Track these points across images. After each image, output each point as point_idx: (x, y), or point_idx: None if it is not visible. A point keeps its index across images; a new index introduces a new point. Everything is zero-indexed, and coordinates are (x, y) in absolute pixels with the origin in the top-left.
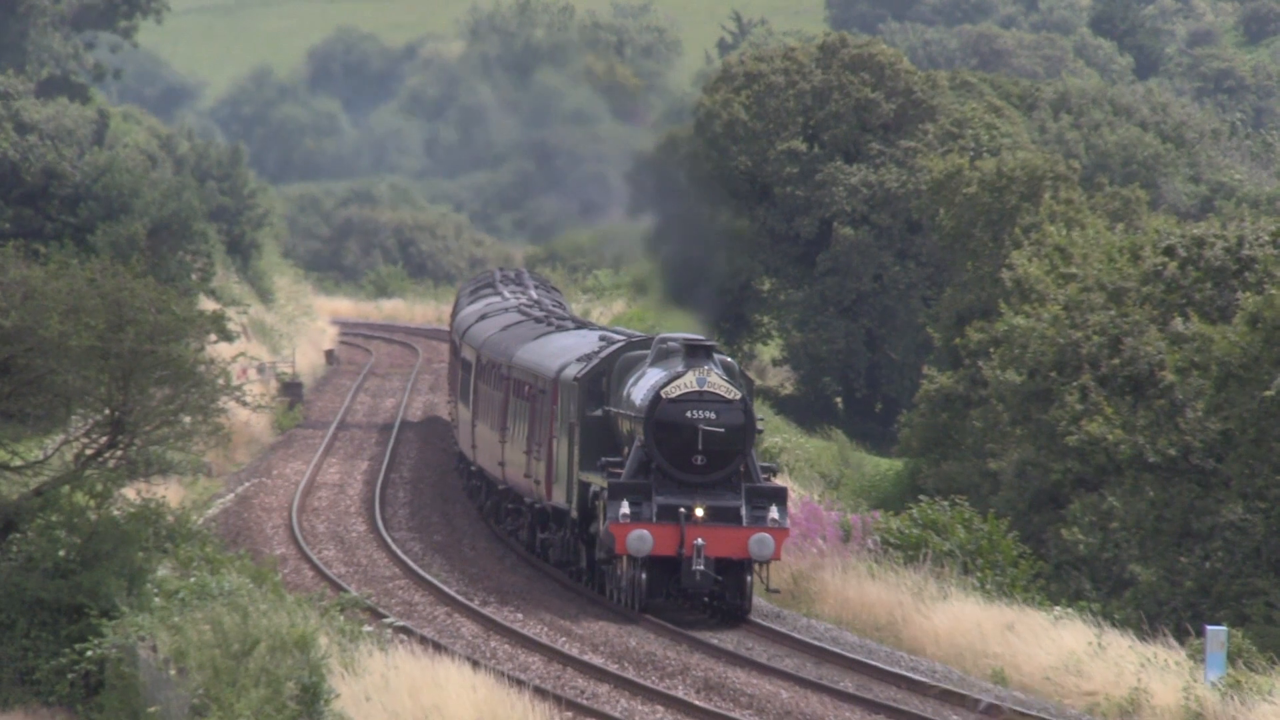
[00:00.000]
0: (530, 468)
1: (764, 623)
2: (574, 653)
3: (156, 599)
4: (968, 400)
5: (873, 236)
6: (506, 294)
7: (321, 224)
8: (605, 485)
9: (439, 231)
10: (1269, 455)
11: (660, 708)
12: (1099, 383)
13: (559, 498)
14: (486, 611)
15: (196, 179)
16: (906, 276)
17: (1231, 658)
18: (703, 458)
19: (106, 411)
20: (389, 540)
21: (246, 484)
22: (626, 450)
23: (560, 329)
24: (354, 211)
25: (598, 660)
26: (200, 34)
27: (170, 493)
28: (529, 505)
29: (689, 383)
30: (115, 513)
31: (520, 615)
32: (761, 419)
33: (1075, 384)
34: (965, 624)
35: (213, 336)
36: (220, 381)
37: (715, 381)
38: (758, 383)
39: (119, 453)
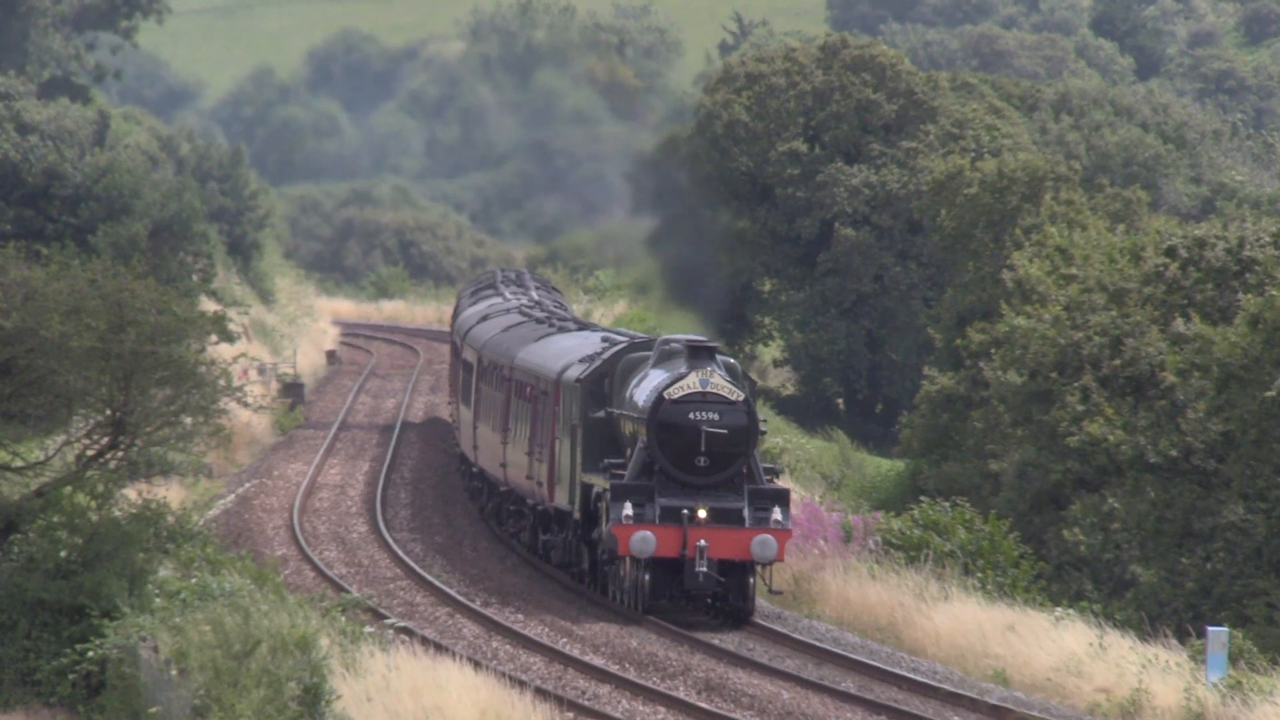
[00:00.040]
0: (532, 469)
1: (765, 623)
2: (575, 653)
3: (158, 600)
4: (969, 401)
5: (874, 237)
6: (508, 295)
7: (322, 225)
8: (608, 487)
9: (440, 232)
10: (1270, 456)
11: (661, 708)
12: (1100, 383)
13: (561, 499)
14: (488, 612)
15: (197, 180)
16: (907, 277)
17: (1233, 658)
18: (705, 459)
19: (108, 412)
20: (390, 541)
21: (247, 485)
22: (629, 452)
23: (562, 330)
24: (355, 212)
25: (599, 661)
26: (201, 35)
27: (171, 493)
28: (531, 507)
29: (692, 384)
30: (116, 513)
31: (521, 616)
32: (764, 420)
33: (1076, 385)
34: (966, 625)
35: (214, 337)
36: (221, 382)
37: (718, 383)
38: (759, 384)
39: (120, 453)
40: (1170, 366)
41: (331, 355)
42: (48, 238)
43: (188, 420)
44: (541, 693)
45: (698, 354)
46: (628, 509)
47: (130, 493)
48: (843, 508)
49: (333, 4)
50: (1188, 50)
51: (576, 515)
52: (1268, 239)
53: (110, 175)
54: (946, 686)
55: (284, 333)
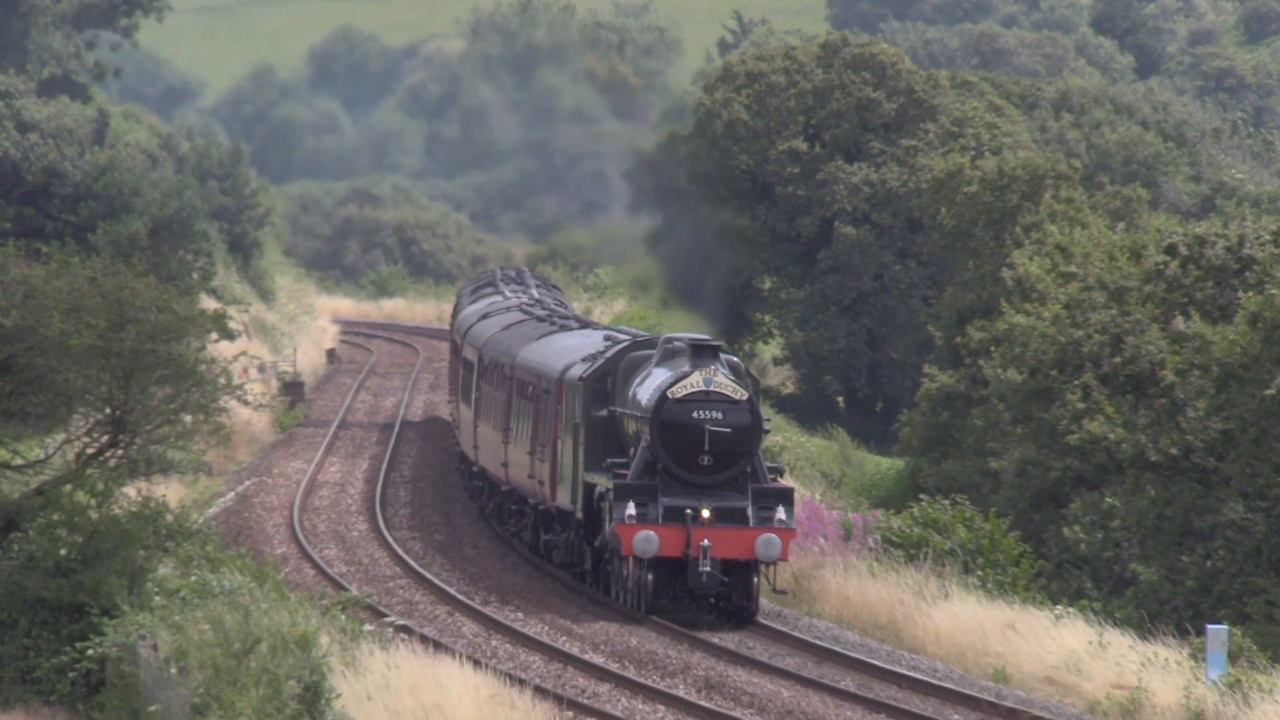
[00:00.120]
0: (534, 468)
1: (765, 622)
2: (575, 652)
3: (157, 598)
4: (969, 399)
5: (874, 235)
6: (508, 293)
7: (322, 223)
8: (611, 486)
9: (440, 230)
10: (1270, 454)
11: (661, 707)
12: (1100, 382)
13: (563, 499)
14: (487, 611)
15: (197, 178)
16: (907, 276)
17: (1232, 656)
18: (709, 458)
19: (107, 410)
20: (390, 539)
21: (247, 483)
22: (632, 451)
23: (564, 329)
24: (355, 210)
25: (599, 659)
26: (201, 33)
27: (171, 492)
28: (533, 506)
29: (695, 383)
30: (116, 512)
31: (521, 614)
32: (767, 419)
33: (1077, 383)
34: (966, 623)
35: (214, 335)
36: (221, 380)
37: (722, 381)
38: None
39: (120, 452)
40: (1170, 366)
41: (331, 353)
42: (48, 236)
43: (188, 418)
44: (541, 691)
45: (701, 353)
46: (631, 508)
47: (130, 491)
48: (842, 506)
49: (333, 2)
50: (1188, 48)
51: (579, 515)
52: (1268, 237)
53: (110, 173)
54: (949, 685)
55: (284, 331)
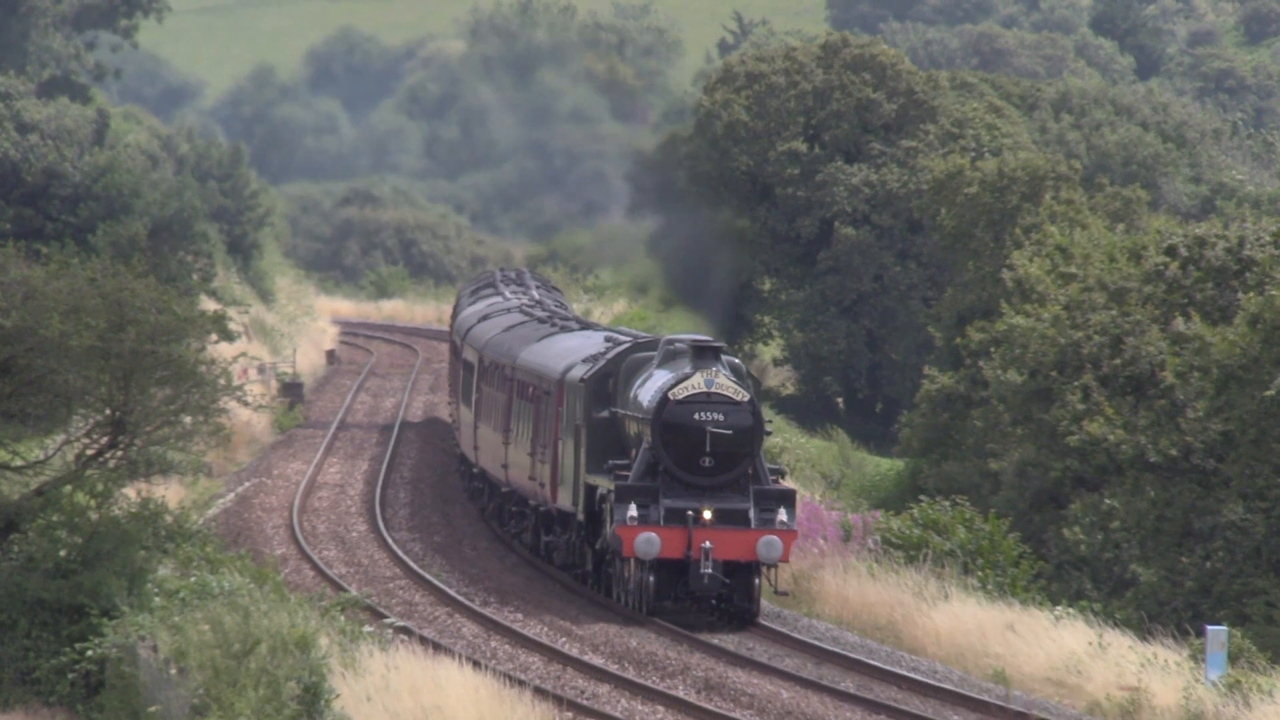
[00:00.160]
0: (535, 470)
1: (765, 623)
2: (574, 653)
3: (157, 599)
4: (969, 400)
5: (874, 237)
6: (508, 294)
7: (322, 224)
8: (612, 488)
9: (440, 231)
10: (1269, 455)
11: (661, 708)
12: (1100, 383)
13: (564, 500)
14: (487, 612)
15: (197, 179)
16: (907, 277)
17: (1232, 657)
18: (710, 460)
19: (107, 411)
20: (390, 540)
21: (247, 484)
22: (633, 452)
23: (564, 330)
24: (354, 211)
25: (598, 660)
26: (201, 34)
27: (171, 493)
28: (533, 508)
29: (697, 384)
30: (116, 513)
31: (520, 615)
32: (769, 420)
33: (1076, 384)
34: (966, 624)
35: (214, 337)
36: (221, 381)
37: (723, 383)
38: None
39: (120, 453)
40: (1170, 368)
41: (331, 354)
42: (47, 237)
43: (187, 419)
44: (541, 692)
45: (703, 354)
46: (632, 510)
47: (130, 492)
48: (842, 507)
49: (332, 3)
50: (1187, 49)
51: (580, 516)
52: (1268, 238)
53: (110, 174)
54: (948, 686)
55: (283, 332)
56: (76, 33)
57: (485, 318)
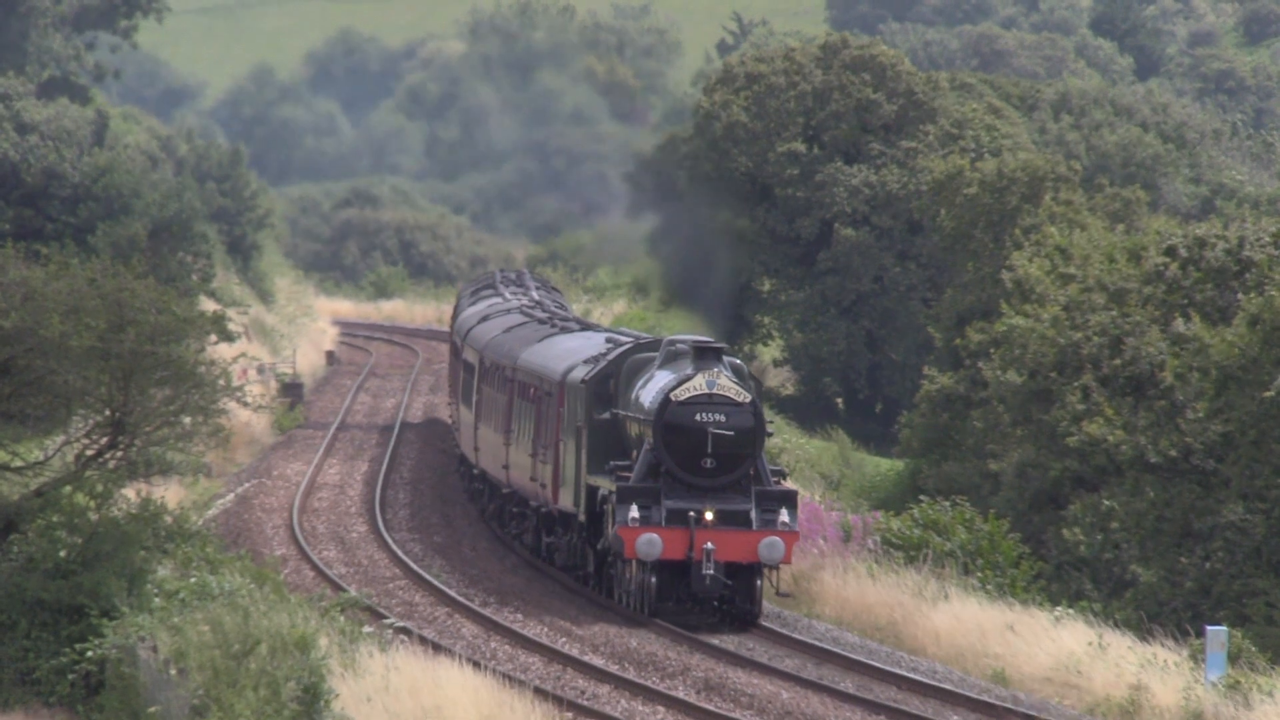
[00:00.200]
0: (536, 471)
1: (765, 623)
2: (574, 653)
3: (157, 599)
4: (968, 401)
5: (873, 237)
6: (508, 295)
7: (321, 224)
8: (614, 489)
9: (439, 232)
10: (1269, 456)
11: (661, 708)
12: (1100, 383)
13: (566, 501)
14: (487, 612)
15: (196, 180)
16: (907, 278)
17: (1232, 658)
18: (712, 461)
19: (107, 412)
20: (389, 541)
21: (247, 484)
22: (635, 454)
23: (565, 331)
24: (354, 212)
25: (598, 661)
26: (200, 34)
27: (170, 493)
28: (534, 509)
29: (698, 385)
30: (116, 513)
31: (520, 616)
32: (771, 421)
33: (1076, 384)
34: (966, 624)
35: (213, 337)
36: (221, 382)
37: (725, 384)
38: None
39: (119, 453)
40: (1169, 369)
41: (330, 355)
42: (47, 237)
43: (187, 420)
44: (541, 692)
45: (704, 355)
46: (634, 511)
47: (129, 493)
48: (842, 507)
49: (332, 3)
50: (1187, 50)
51: (581, 517)
52: (1267, 239)
53: (109, 175)
54: (948, 686)
55: (283, 332)
56: (76, 33)
57: (485, 319)
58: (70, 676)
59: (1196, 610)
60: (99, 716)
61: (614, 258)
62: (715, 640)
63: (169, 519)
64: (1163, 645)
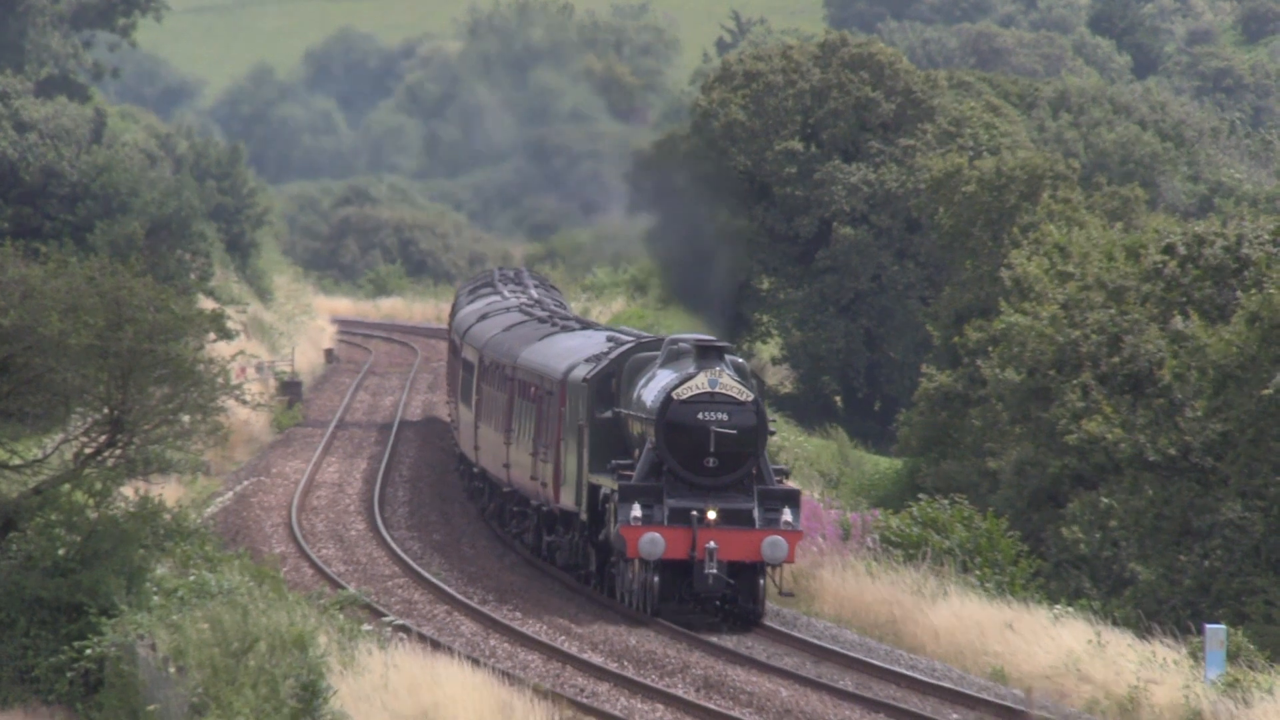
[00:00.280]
0: (537, 470)
1: (764, 621)
2: (574, 651)
3: (155, 597)
4: (967, 399)
5: (872, 236)
6: (506, 293)
7: (320, 222)
8: (616, 488)
9: (438, 230)
10: (1268, 454)
11: (660, 706)
12: (1099, 381)
13: (567, 500)
14: (486, 610)
15: (195, 178)
16: (905, 276)
17: (1231, 656)
18: (715, 460)
19: (105, 410)
20: (388, 539)
21: (245, 482)
22: (637, 453)
23: (565, 329)
24: (352, 210)
25: (597, 659)
26: (199, 33)
27: (169, 491)
28: (535, 508)
29: (701, 384)
30: (114, 511)
31: (519, 614)
32: (773, 420)
33: (1075, 382)
34: (965, 622)
35: (212, 335)
36: (219, 380)
37: (727, 383)
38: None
39: (118, 451)
40: (1168, 368)
41: (329, 353)
42: (45, 235)
43: (186, 418)
44: (540, 690)
45: (706, 354)
46: (636, 510)
47: (128, 491)
48: (841, 505)
49: (331, 3)
50: (1185, 48)
51: (583, 516)
52: (1266, 237)
53: (108, 173)
54: (947, 684)
55: (282, 330)
56: (74, 31)
57: (484, 317)
58: (69, 674)
59: (1195, 608)
60: (98, 714)
61: (612, 256)
62: (714, 638)
63: (168, 517)
64: (1162, 643)
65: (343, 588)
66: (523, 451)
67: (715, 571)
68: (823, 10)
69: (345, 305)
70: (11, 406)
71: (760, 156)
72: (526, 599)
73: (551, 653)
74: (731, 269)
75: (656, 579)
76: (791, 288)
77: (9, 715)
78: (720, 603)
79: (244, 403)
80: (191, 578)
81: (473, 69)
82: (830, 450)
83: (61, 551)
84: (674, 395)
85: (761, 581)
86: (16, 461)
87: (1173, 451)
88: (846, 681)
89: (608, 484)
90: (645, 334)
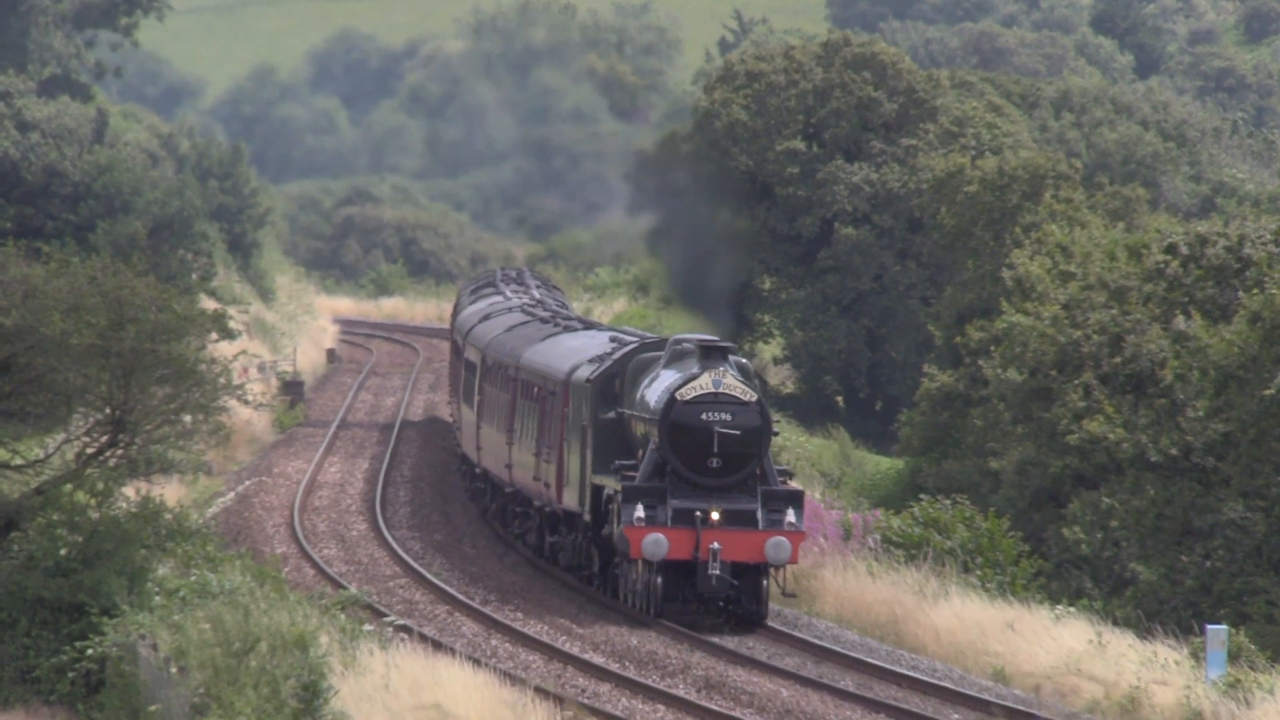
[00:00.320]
0: (539, 470)
1: (765, 622)
2: (575, 651)
3: (157, 597)
4: (968, 399)
5: (874, 236)
6: (509, 294)
7: (322, 222)
8: (619, 488)
9: (440, 230)
10: (1269, 454)
11: (661, 706)
12: (1100, 381)
13: (570, 501)
14: (487, 610)
15: (197, 178)
16: (907, 276)
17: (1232, 656)
18: (718, 460)
19: (107, 410)
20: (390, 539)
21: (247, 483)
22: (640, 453)
23: (568, 330)
24: (354, 210)
25: (599, 659)
26: (201, 32)
27: (171, 491)
28: (538, 508)
29: (704, 384)
30: (116, 511)
31: (521, 614)
32: (777, 420)
33: (1077, 382)
34: (966, 622)
35: (214, 335)
36: (221, 380)
37: (731, 383)
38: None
39: (120, 451)
40: (1170, 368)
41: (331, 353)
42: (47, 235)
43: (187, 418)
44: (541, 691)
45: (710, 354)
46: (640, 511)
47: (130, 491)
48: (842, 505)
49: (332, 3)
50: (1188, 48)
51: (586, 517)
52: (1268, 237)
53: (110, 173)
54: (948, 684)
55: (284, 330)
56: (77, 31)
57: (487, 317)
58: (70, 675)
59: (1197, 608)
60: (99, 715)
61: (614, 256)
62: (715, 638)
63: (169, 517)
64: (1163, 643)
65: (344, 588)
66: (525, 452)
67: (719, 572)
68: (825, 10)
69: (347, 305)
70: (13, 406)
71: (762, 156)
72: (528, 599)
73: (553, 653)
74: (733, 269)
75: (660, 580)
76: (793, 288)
77: (10, 715)
78: (723, 603)
79: (246, 403)
80: (193, 578)
81: (474, 69)
82: (832, 450)
83: (63, 551)
84: (678, 396)
85: (765, 582)
86: (18, 461)
87: (1174, 452)
88: (847, 682)
89: (611, 485)
90: (648, 334)
